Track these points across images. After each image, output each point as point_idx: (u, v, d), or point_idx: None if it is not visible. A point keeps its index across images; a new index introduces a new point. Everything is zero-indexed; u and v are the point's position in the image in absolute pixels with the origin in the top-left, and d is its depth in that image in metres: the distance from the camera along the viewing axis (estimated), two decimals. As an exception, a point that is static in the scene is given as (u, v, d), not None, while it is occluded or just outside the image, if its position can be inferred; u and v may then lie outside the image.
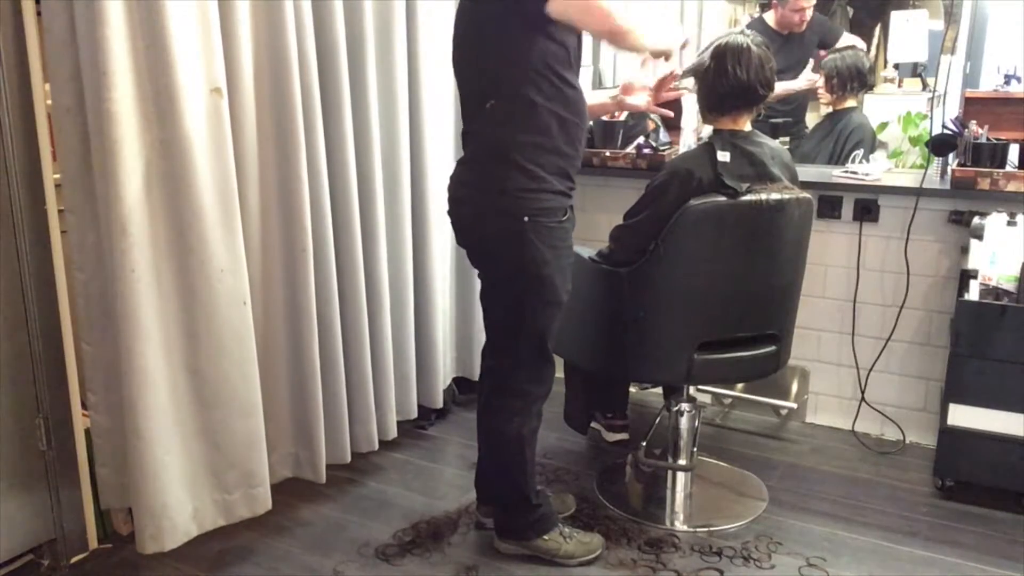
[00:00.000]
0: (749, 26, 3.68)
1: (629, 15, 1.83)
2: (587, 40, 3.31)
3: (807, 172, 2.73)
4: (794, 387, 3.06)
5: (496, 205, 1.91)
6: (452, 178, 2.04)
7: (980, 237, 2.44)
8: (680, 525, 2.38)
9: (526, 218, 1.89)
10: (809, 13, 3.40)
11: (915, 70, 3.50)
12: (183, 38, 1.87)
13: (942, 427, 2.45)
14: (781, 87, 2.78)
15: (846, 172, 2.84)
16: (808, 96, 3.45)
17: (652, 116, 2.97)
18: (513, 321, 2.01)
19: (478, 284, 3.04)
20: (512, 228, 1.90)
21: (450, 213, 2.05)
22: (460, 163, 2.03)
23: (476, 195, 1.96)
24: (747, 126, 2.21)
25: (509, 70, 1.85)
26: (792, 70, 3.36)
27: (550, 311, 1.99)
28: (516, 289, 1.97)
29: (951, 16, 2.84)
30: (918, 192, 2.64)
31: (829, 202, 2.85)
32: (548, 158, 1.90)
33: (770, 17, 3.46)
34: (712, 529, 2.35)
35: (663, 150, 3.00)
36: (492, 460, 2.15)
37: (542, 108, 1.86)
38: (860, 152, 3.17)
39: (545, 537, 2.15)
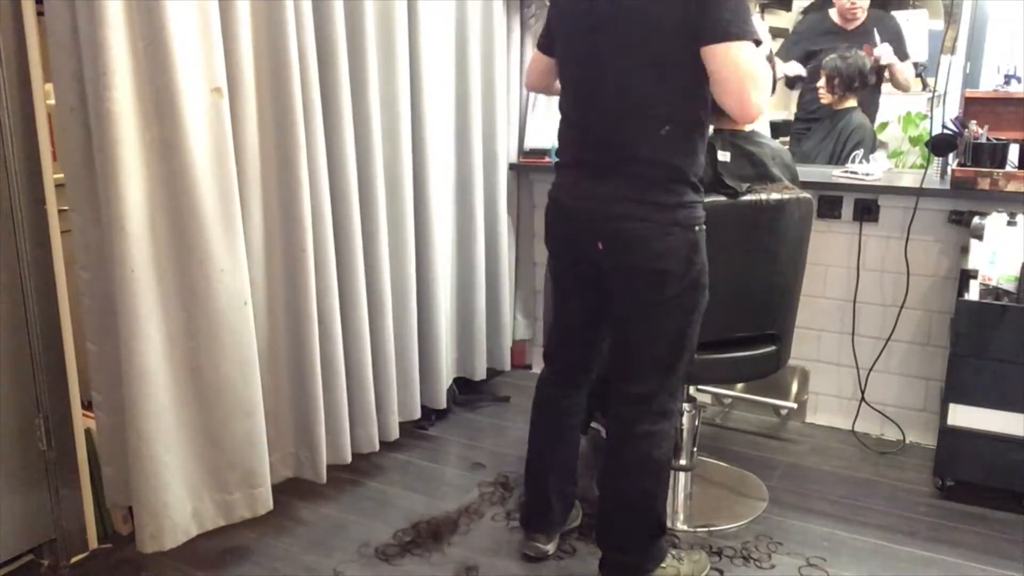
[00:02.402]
0: (805, 19, 3.69)
1: (764, 91, 1.71)
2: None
3: (807, 172, 2.73)
4: (794, 387, 3.06)
5: (675, 219, 1.81)
6: (597, 195, 1.86)
7: (980, 237, 2.44)
8: (680, 525, 2.38)
9: (697, 228, 1.84)
10: (860, 8, 3.38)
11: (915, 70, 3.50)
12: (183, 38, 1.87)
13: (942, 427, 2.45)
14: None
15: (846, 172, 2.84)
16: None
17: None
18: (678, 339, 1.89)
19: (479, 284, 3.10)
20: (689, 239, 1.83)
21: (604, 233, 1.86)
22: (609, 179, 1.84)
23: (650, 211, 1.80)
24: (748, 126, 2.21)
25: (684, 96, 1.77)
26: None
27: (700, 321, 1.93)
28: (687, 303, 1.87)
29: (951, 16, 2.84)
30: (918, 192, 2.64)
31: (829, 202, 2.85)
32: (700, 171, 1.86)
33: (834, 13, 3.45)
34: (712, 529, 2.35)
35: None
36: (637, 493, 1.97)
37: (704, 130, 1.84)
38: (860, 152, 3.17)
39: (663, 565, 2.04)
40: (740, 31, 1.64)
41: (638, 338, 1.92)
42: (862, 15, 3.39)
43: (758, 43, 1.68)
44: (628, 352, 1.95)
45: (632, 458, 1.96)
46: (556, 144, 1.98)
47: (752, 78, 1.65)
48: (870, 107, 3.42)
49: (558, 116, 1.99)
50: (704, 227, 1.86)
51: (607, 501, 2.04)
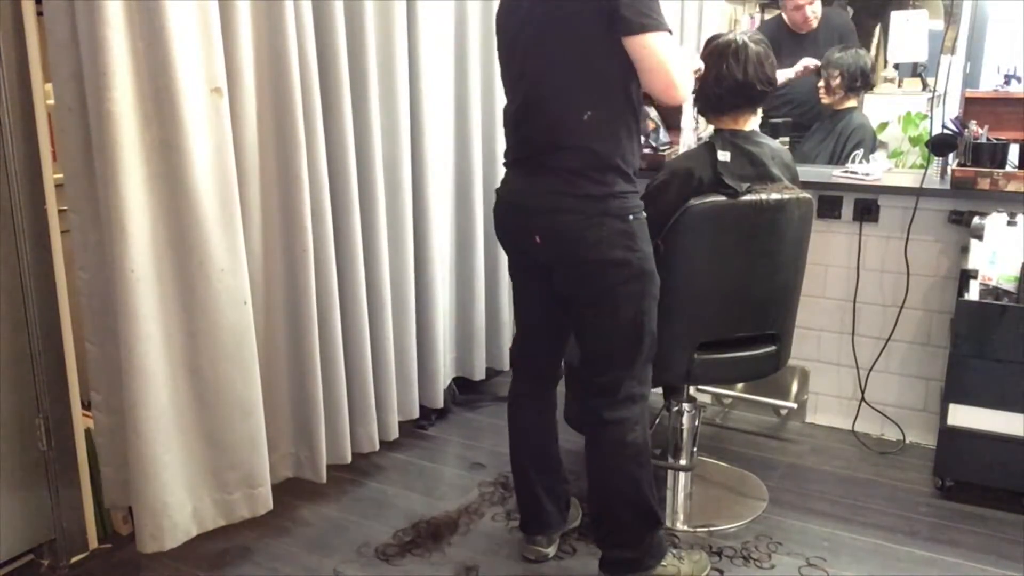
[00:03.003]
0: (764, 25, 3.67)
1: (685, 75, 1.84)
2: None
3: (807, 172, 2.73)
4: (794, 387, 3.06)
5: (605, 209, 1.85)
6: (531, 191, 1.93)
7: (980, 237, 2.44)
8: (680, 525, 2.38)
9: (631, 216, 1.88)
10: (811, 12, 3.39)
11: (915, 70, 3.51)
12: (183, 38, 1.87)
13: (942, 427, 2.45)
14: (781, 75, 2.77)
15: (846, 172, 2.84)
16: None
17: (652, 116, 2.96)
18: (632, 328, 1.92)
19: (479, 284, 3.10)
20: (622, 229, 1.87)
21: (539, 227, 1.91)
22: (540, 174, 1.91)
23: (579, 202, 1.86)
24: (748, 125, 2.21)
25: (604, 85, 1.84)
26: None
27: (655, 306, 1.96)
28: (633, 292, 1.90)
29: (951, 16, 2.84)
30: (918, 192, 2.64)
31: (829, 202, 2.85)
32: (633, 160, 1.91)
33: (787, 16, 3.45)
34: (712, 529, 2.35)
35: (663, 150, 3.00)
36: (619, 479, 1.99)
37: (631, 118, 1.89)
38: (860, 152, 3.17)
39: (664, 563, 2.04)
40: (654, 23, 1.75)
41: (592, 330, 1.97)
42: (815, 22, 3.40)
43: (670, 32, 1.80)
44: (586, 344, 2.00)
45: (608, 446, 1.99)
46: None
47: (671, 64, 1.77)
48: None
49: None
50: (642, 216, 1.90)
51: (594, 493, 2.06)
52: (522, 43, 1.89)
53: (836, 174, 2.85)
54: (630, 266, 1.87)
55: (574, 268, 1.91)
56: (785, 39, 3.41)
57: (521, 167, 1.98)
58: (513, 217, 2.00)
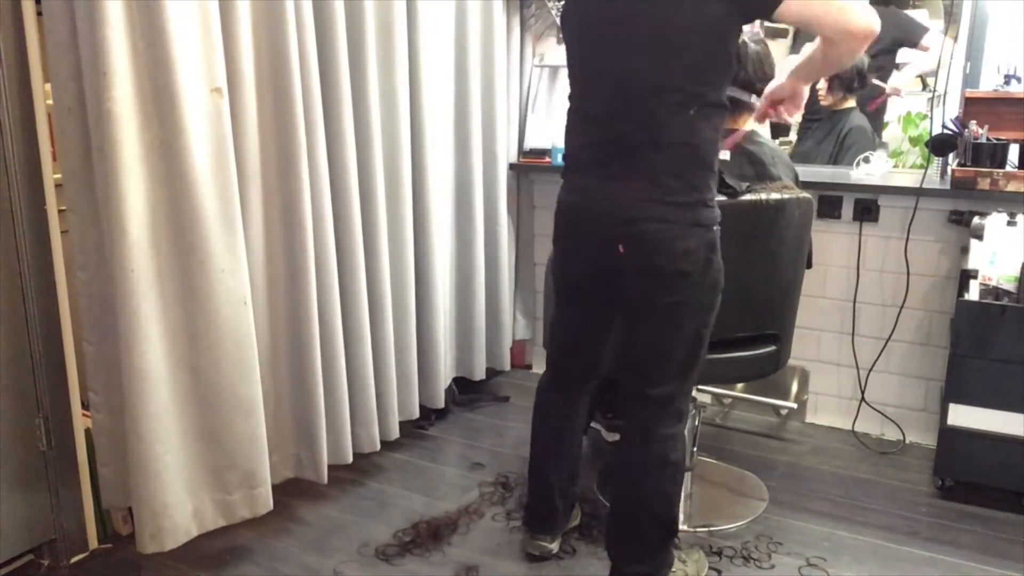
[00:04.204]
0: None
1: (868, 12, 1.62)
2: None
3: (807, 172, 2.73)
4: (794, 387, 3.06)
5: (695, 219, 1.76)
6: (615, 197, 1.79)
7: (980, 237, 2.44)
8: (680, 525, 2.37)
9: (716, 227, 1.80)
10: None
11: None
12: (183, 38, 1.87)
13: (942, 427, 2.45)
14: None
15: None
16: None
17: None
18: (695, 340, 1.86)
19: (479, 284, 3.10)
20: (709, 240, 1.79)
21: (624, 236, 1.78)
22: (627, 178, 1.77)
23: (670, 211, 1.75)
24: (747, 125, 2.21)
25: (716, 75, 1.72)
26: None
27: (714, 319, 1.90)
28: (704, 304, 1.83)
29: (951, 16, 2.83)
30: (918, 192, 2.64)
31: (829, 202, 2.85)
32: (717, 161, 1.81)
33: None
34: (712, 529, 2.35)
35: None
36: (656, 497, 1.93)
37: (724, 113, 1.78)
38: (862, 155, 3.16)
39: (673, 570, 2.02)
40: None
41: (657, 341, 1.87)
42: None
43: None
44: (647, 355, 1.90)
45: (652, 462, 1.92)
46: (562, 145, 1.95)
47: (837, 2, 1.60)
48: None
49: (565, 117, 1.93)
50: (720, 227, 1.83)
51: (623, 508, 1.98)
52: (613, 29, 1.73)
53: (836, 174, 2.84)
54: (708, 278, 1.81)
55: (654, 279, 1.80)
56: None
57: (600, 169, 1.82)
58: (592, 226, 1.85)
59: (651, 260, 1.78)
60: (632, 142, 1.75)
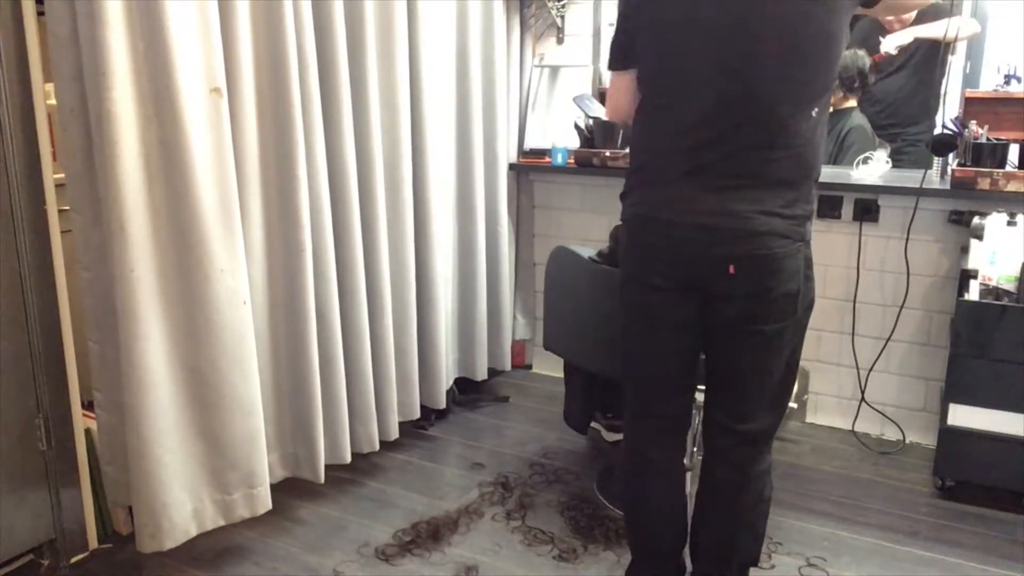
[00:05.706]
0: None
1: None
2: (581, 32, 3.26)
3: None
4: (794, 387, 3.05)
5: (804, 234, 1.63)
6: (728, 210, 1.58)
7: (980, 237, 2.44)
8: (680, 525, 2.38)
9: (811, 242, 1.68)
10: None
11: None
12: (183, 38, 1.87)
13: (942, 427, 2.45)
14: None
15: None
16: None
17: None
18: (791, 364, 1.74)
19: (480, 284, 3.10)
20: (808, 256, 1.66)
21: (736, 255, 1.60)
22: (740, 188, 1.58)
23: (789, 226, 1.60)
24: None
25: (832, 76, 1.61)
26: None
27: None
28: (800, 325, 1.70)
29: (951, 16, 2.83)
30: (918, 192, 2.64)
31: (829, 202, 2.85)
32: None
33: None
34: (712, 529, 2.35)
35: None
36: (748, 536, 1.83)
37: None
38: (862, 156, 3.16)
39: None
40: None
41: (757, 368, 1.70)
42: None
43: None
44: (744, 386, 1.73)
45: (749, 502, 1.79)
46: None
47: None
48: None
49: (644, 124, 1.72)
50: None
51: (713, 549, 1.85)
52: (727, 25, 1.54)
53: (836, 174, 2.83)
54: (806, 298, 1.68)
55: (761, 302, 1.63)
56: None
57: (703, 179, 1.61)
58: (696, 245, 1.63)
59: (764, 282, 1.61)
60: (747, 148, 1.57)
